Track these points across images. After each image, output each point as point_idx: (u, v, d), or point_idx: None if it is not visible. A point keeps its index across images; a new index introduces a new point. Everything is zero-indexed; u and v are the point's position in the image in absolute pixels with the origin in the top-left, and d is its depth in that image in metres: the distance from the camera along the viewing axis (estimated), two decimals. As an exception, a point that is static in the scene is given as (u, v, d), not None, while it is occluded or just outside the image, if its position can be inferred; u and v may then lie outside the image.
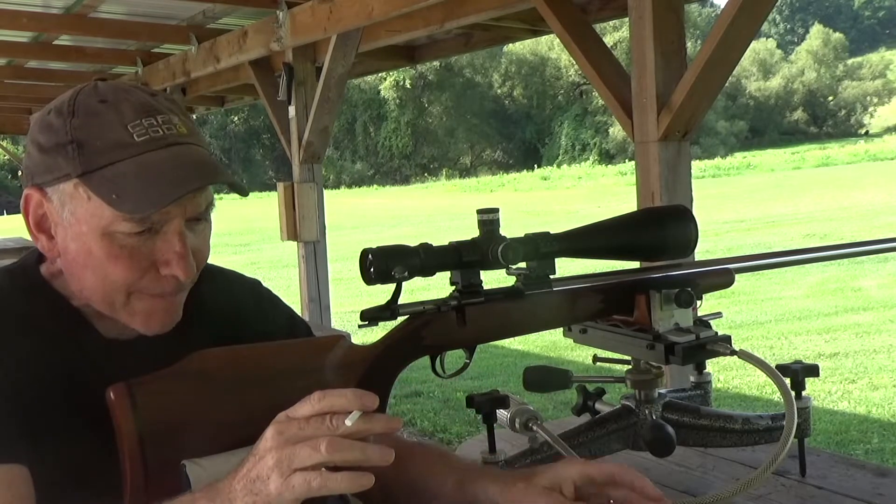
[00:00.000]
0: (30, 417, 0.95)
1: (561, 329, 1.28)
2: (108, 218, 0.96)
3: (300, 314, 1.28)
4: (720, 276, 1.26)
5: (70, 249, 1.00)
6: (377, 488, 0.87)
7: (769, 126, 55.64)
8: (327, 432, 0.82)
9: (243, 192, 1.06)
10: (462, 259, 1.07)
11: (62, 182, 0.97)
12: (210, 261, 1.26)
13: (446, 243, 1.07)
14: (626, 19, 2.98)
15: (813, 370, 1.31)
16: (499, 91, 55.25)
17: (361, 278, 1.02)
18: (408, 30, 4.68)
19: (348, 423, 0.82)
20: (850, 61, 62.90)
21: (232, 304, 1.18)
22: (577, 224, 1.19)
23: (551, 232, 1.14)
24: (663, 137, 2.83)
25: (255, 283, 1.25)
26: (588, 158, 46.25)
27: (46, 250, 1.03)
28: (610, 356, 1.29)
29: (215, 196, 1.04)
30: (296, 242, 5.31)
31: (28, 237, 1.01)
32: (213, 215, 1.06)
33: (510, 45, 40.85)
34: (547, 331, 1.21)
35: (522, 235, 1.12)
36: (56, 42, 6.12)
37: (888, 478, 1.39)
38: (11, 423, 0.94)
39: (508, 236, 1.08)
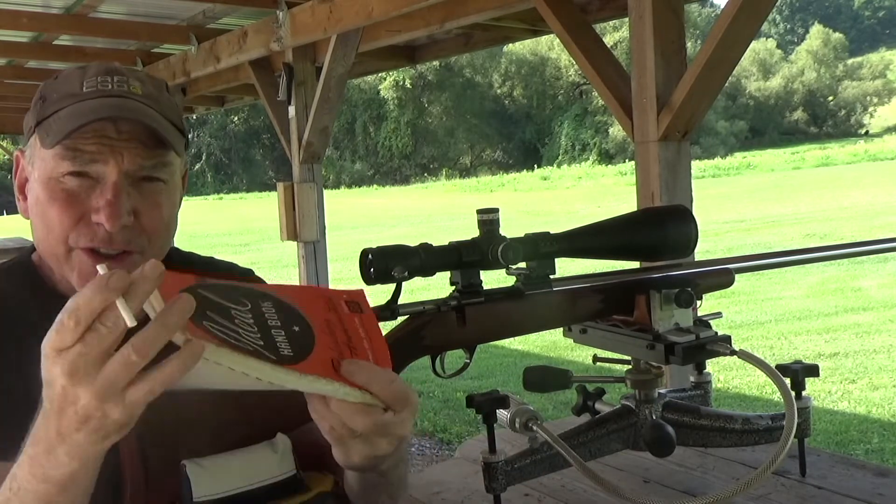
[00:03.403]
0: (23, 416, 0.95)
1: (561, 329, 1.28)
2: (50, 162, 0.99)
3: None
4: (720, 276, 1.26)
5: (30, 202, 1.04)
6: None
7: (769, 126, 55.61)
8: (112, 337, 0.70)
9: (166, 146, 1.01)
10: (462, 259, 1.07)
11: (30, 136, 1.04)
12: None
13: (446, 243, 1.07)
14: (626, 19, 2.98)
15: (813, 370, 1.31)
16: (499, 91, 55.23)
17: (361, 278, 1.02)
18: (408, 30, 4.68)
19: (124, 314, 0.69)
20: (850, 61, 62.88)
21: None
22: (577, 224, 1.19)
23: (551, 232, 1.14)
24: (663, 137, 2.83)
25: (248, 273, 1.26)
26: (588, 158, 46.23)
27: (22, 211, 1.08)
28: (610, 356, 1.29)
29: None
30: (296, 242, 5.31)
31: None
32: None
33: (510, 45, 40.85)
34: (547, 331, 1.21)
35: (522, 235, 1.12)
36: (56, 42, 6.11)
37: (888, 478, 1.39)
38: (4, 422, 0.94)
39: (508, 236, 1.08)
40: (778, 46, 66.36)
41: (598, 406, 1.34)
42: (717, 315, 1.25)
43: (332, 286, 5.49)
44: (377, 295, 1.05)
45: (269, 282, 1.02)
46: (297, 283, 0.99)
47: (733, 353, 1.15)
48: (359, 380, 0.81)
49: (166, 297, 0.73)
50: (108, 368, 0.71)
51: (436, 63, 41.79)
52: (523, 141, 54.27)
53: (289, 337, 0.81)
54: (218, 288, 0.81)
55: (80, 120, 0.97)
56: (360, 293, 0.90)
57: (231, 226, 21.24)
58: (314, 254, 5.30)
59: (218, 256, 1.26)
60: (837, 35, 62.66)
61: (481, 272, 1.09)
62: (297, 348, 0.80)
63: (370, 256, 1.01)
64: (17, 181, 1.08)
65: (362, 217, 23.83)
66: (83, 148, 0.98)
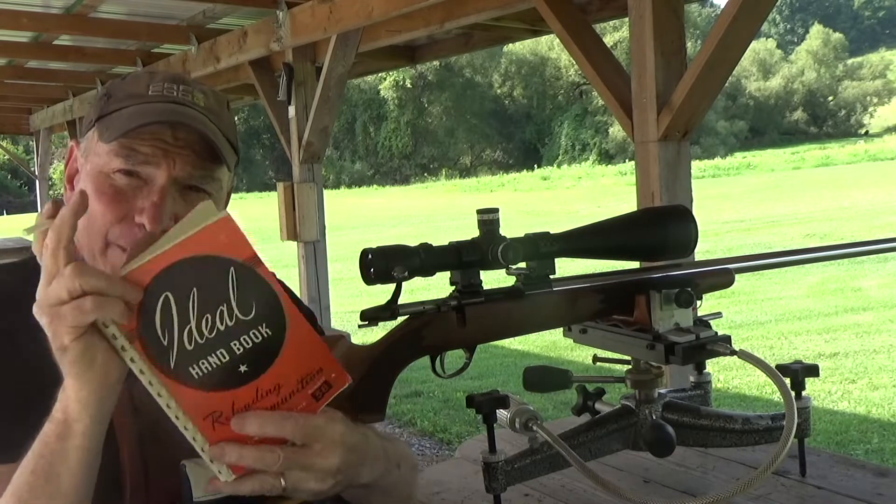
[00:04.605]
0: (33, 417, 0.95)
1: (561, 329, 1.28)
2: (104, 157, 1.01)
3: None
4: (720, 276, 1.26)
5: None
6: None
7: (769, 126, 55.56)
8: (54, 265, 0.79)
9: (218, 160, 1.04)
10: (462, 259, 1.07)
11: (89, 129, 1.06)
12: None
13: (446, 243, 1.07)
14: (626, 19, 2.98)
15: (813, 370, 1.31)
16: (499, 91, 55.21)
17: (361, 278, 1.02)
18: (408, 30, 4.68)
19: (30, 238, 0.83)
20: (850, 61, 62.85)
21: None
22: (577, 224, 1.19)
23: (551, 232, 1.14)
24: (663, 137, 2.83)
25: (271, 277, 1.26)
26: (588, 158, 46.20)
27: (66, 201, 1.09)
28: (610, 356, 1.29)
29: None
30: (296, 242, 5.31)
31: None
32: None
33: (510, 45, 40.82)
34: (547, 331, 1.21)
35: (522, 235, 1.12)
36: (56, 42, 6.12)
37: (888, 478, 1.39)
38: (15, 422, 0.94)
39: (508, 236, 1.08)
40: (778, 46, 66.31)
41: (598, 406, 1.34)
42: (717, 315, 1.25)
43: (332, 286, 5.33)
44: (377, 295, 1.05)
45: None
46: (332, 336, 1.00)
47: (733, 353, 1.15)
48: (250, 430, 0.83)
49: (210, 241, 0.81)
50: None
51: (436, 63, 41.83)
52: (523, 141, 54.24)
53: (223, 366, 0.82)
54: (254, 282, 0.84)
55: (140, 120, 0.99)
56: (345, 380, 0.89)
57: (231, 226, 21.21)
58: (314, 254, 5.30)
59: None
60: (837, 35, 62.63)
61: (481, 272, 1.09)
62: (213, 379, 0.82)
63: (370, 256, 1.01)
64: (68, 172, 1.11)
65: (362, 217, 23.82)
66: (138, 148, 1.00)
